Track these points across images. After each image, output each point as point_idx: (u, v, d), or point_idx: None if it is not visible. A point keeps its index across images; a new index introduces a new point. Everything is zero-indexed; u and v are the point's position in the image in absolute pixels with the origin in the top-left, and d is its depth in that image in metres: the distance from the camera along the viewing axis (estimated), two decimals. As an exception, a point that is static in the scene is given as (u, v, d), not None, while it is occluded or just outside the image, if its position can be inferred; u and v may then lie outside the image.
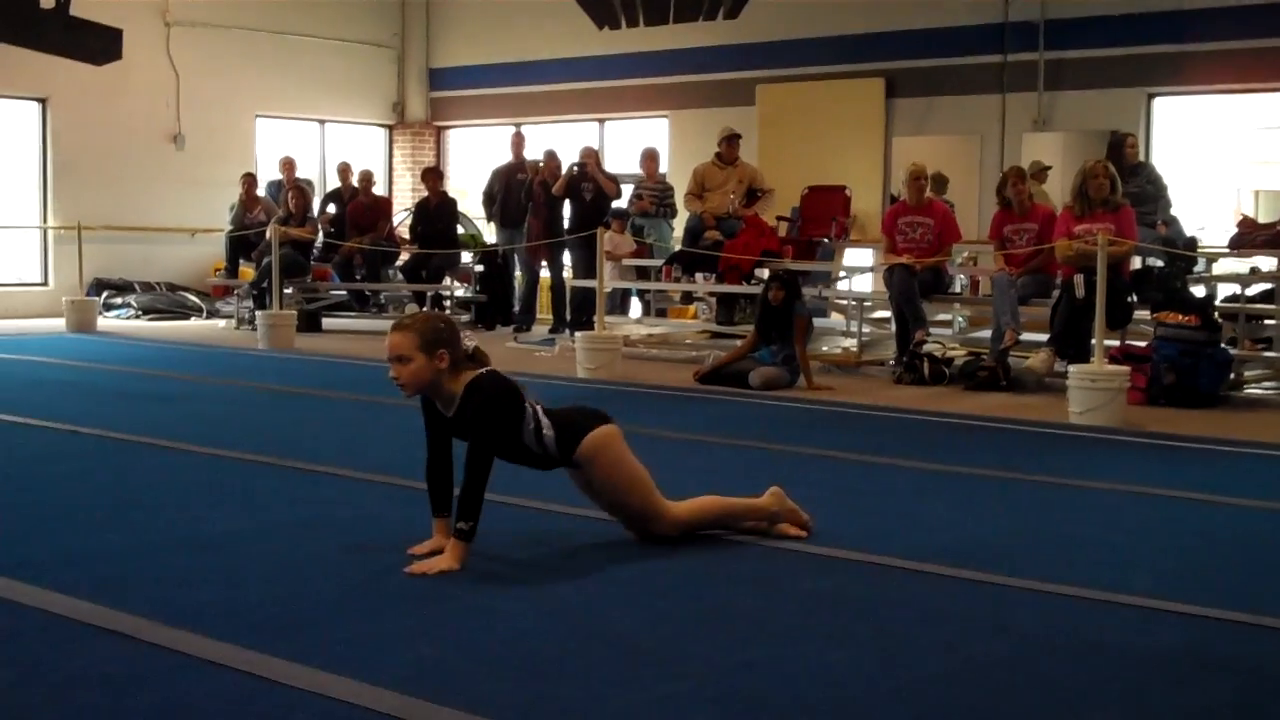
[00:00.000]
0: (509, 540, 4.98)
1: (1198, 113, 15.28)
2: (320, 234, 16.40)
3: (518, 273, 16.25)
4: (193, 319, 17.32)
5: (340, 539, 5.08)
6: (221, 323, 16.76)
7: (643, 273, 14.57)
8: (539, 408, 4.89)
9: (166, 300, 17.66)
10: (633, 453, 4.98)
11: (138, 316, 17.04)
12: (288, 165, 17.39)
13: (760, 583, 4.56)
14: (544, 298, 16.15)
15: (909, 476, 6.85)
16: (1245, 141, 14.85)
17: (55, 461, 6.86)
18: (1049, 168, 14.09)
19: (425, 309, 4.92)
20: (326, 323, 16.03)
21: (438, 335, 4.66)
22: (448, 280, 16.17)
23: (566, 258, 15.31)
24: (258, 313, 14.40)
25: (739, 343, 11.29)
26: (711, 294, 13.62)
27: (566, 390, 10.52)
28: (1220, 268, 12.29)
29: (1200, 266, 11.77)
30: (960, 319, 12.89)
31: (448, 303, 16.18)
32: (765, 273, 12.07)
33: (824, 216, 14.48)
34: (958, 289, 13.09)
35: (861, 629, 4.06)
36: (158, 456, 7.07)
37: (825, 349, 12.79)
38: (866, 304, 12.95)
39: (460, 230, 16.71)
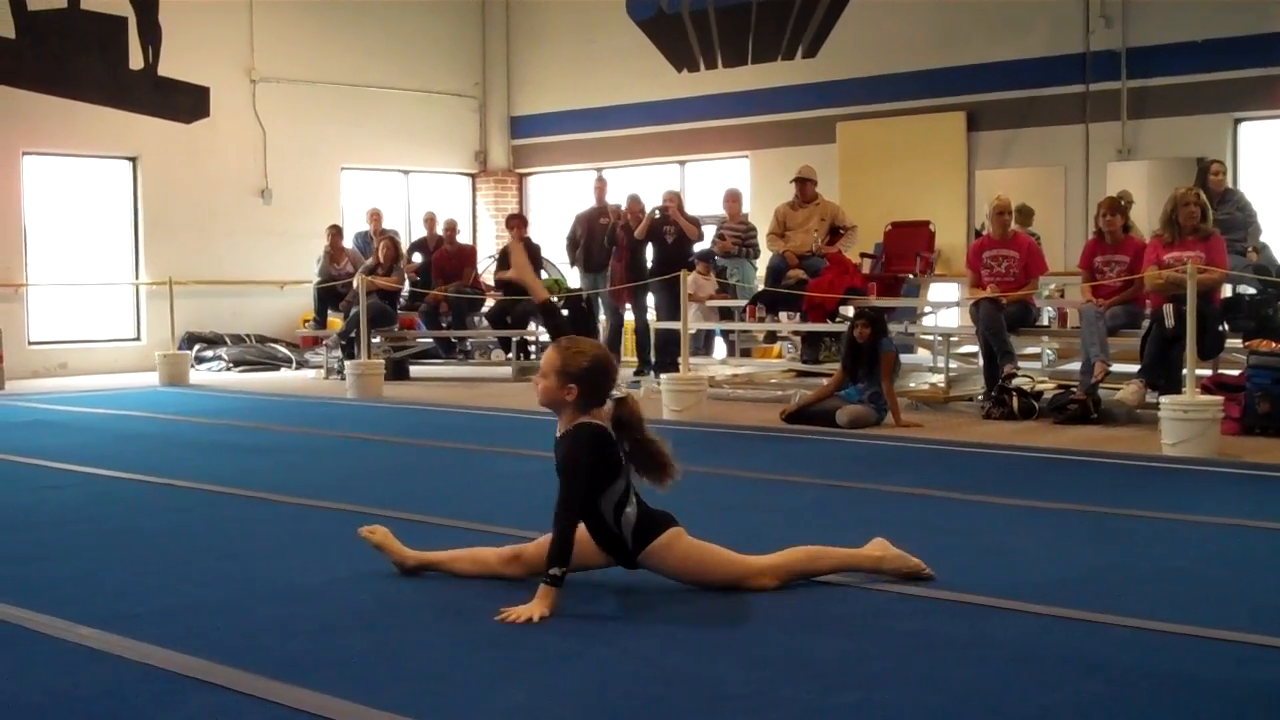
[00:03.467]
0: (594, 589, 4.98)
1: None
2: (406, 283, 16.57)
3: (602, 316, 16.30)
4: (282, 370, 17.54)
5: (432, 587, 5.11)
6: (311, 373, 16.96)
7: (726, 313, 14.57)
8: (634, 489, 4.92)
9: (256, 352, 17.89)
10: (701, 540, 4.96)
11: (229, 369, 17.28)
12: (375, 216, 17.60)
13: (852, 625, 4.53)
14: (628, 341, 16.20)
15: (1000, 513, 6.79)
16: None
17: (151, 514, 6.96)
18: (1132, 201, 13.95)
19: (592, 341, 5.04)
20: (414, 370, 16.17)
21: (576, 369, 4.85)
22: (533, 325, 16.26)
23: (650, 300, 15.34)
24: (346, 362, 14.55)
25: (825, 381, 11.25)
26: (796, 333, 13.60)
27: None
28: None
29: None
30: (1049, 352, 12.76)
31: (533, 348, 16.25)
32: (850, 310, 12.03)
33: (908, 252, 14.42)
34: (1045, 322, 12.98)
35: (956, 671, 4.01)
36: (251, 508, 7.15)
37: (912, 385, 12.70)
38: (953, 339, 12.87)
39: (544, 275, 16.80)
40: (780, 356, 14.81)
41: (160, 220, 17.99)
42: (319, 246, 17.27)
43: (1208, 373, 10.17)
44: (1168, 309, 9.93)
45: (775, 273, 13.83)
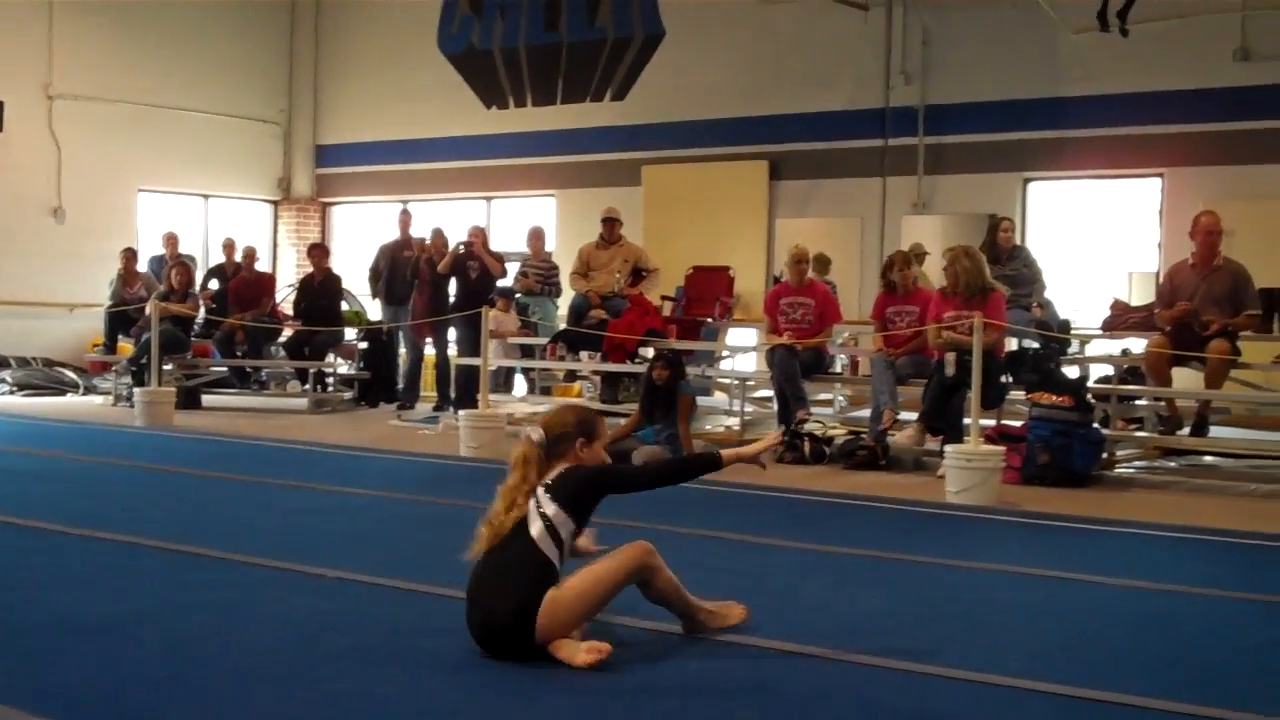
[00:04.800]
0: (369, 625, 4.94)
1: (1072, 197, 15.67)
2: (202, 310, 16.24)
3: (402, 350, 16.19)
4: (69, 395, 17.02)
5: (217, 622, 5.01)
6: (99, 399, 16.48)
7: (527, 351, 14.59)
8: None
9: (43, 376, 17.32)
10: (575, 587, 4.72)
11: (13, 392, 16.70)
12: (170, 240, 17.24)
13: (637, 665, 4.56)
14: (428, 375, 16.10)
15: (790, 556, 6.91)
16: (1118, 225, 15.24)
17: (-79, 542, 6.70)
18: (927, 253, 14.37)
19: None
20: (207, 400, 15.81)
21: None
22: (331, 357, 16.07)
23: (452, 335, 15.28)
24: (135, 389, 14.20)
25: (623, 422, 11.32)
26: (596, 372, 13.67)
27: (449, 469, 10.51)
28: (1093, 349, 12.55)
29: (1074, 348, 12.02)
30: (841, 398, 13.05)
31: (330, 380, 16.06)
32: (650, 352, 12.14)
33: (708, 296, 14.62)
34: (838, 369, 13.25)
35: (740, 713, 4.07)
36: (30, 537, 6.92)
37: (708, 428, 12.86)
38: (749, 383, 13.05)
39: (344, 307, 16.64)
40: (580, 395, 14.87)
41: (-54, 236, 17.39)
42: (112, 269, 16.83)
43: (992, 423, 10.49)
44: (949, 358, 10.25)
45: (577, 312, 13.90)
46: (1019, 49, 15.21)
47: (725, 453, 5.04)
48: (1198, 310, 10.38)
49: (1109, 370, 11.70)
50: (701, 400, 12.49)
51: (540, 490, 4.79)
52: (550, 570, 4.65)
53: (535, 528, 4.68)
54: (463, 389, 14.35)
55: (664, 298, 14.76)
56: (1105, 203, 15.49)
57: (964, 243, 11.38)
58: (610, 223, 14.19)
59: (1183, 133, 14.44)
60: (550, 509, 4.72)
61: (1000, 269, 11.42)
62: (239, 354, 16.18)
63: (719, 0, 16.62)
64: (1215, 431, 11.11)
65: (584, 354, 13.34)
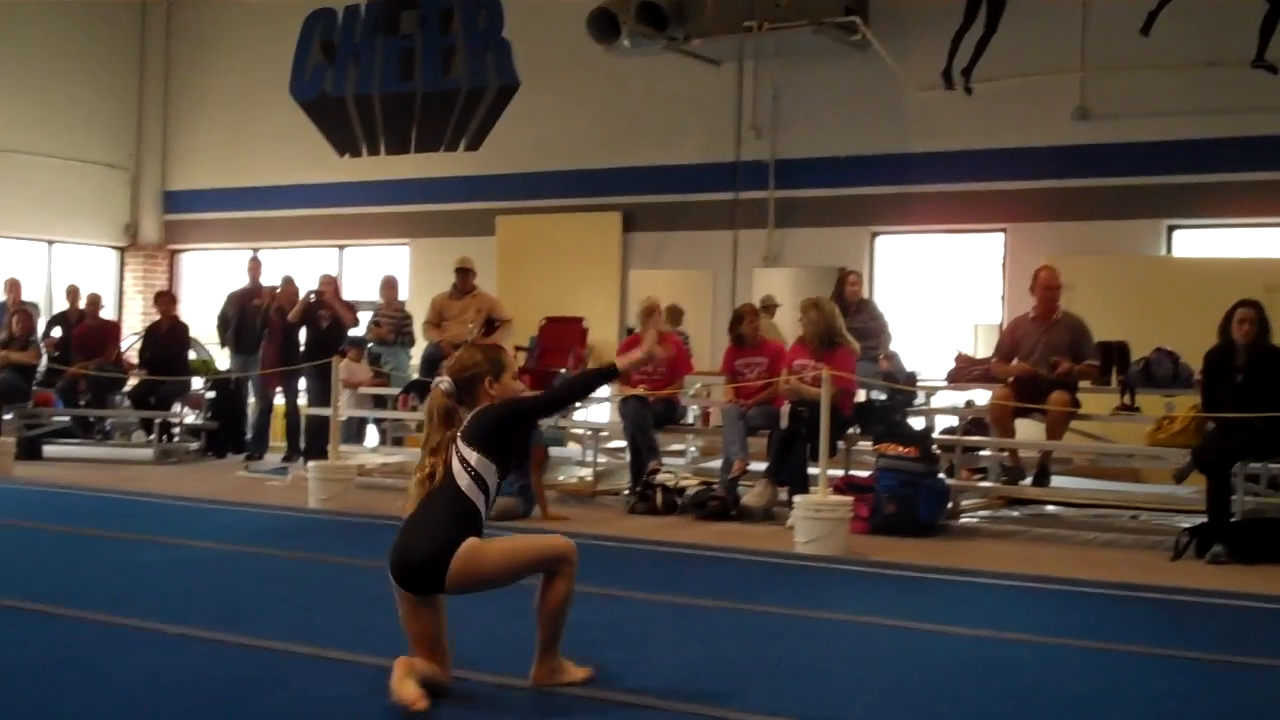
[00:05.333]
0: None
1: (918, 250, 16.00)
2: (44, 358, 15.85)
3: (252, 399, 15.96)
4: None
5: (39, 683, 4.88)
6: (-66, 449, 15.97)
7: (379, 401, 14.47)
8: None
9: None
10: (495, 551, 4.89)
11: None
12: (13, 286, 16.80)
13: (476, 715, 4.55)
14: (278, 426, 15.88)
15: (641, 608, 6.92)
16: (963, 278, 15.58)
17: None
18: (778, 305, 14.57)
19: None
20: (48, 450, 15.41)
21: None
22: (177, 406, 15.77)
23: (302, 384, 15.10)
24: (-27, 440, 13.81)
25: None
26: (448, 423, 13.57)
27: (298, 521, 10.37)
28: (939, 401, 12.78)
29: (920, 400, 12.24)
30: (693, 449, 13.12)
31: (176, 430, 15.77)
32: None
33: (562, 347, 14.61)
34: (690, 420, 13.34)
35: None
36: None
37: (561, 478, 12.86)
38: (602, 434, 13.09)
39: (192, 356, 16.36)
40: (432, 446, 14.73)
41: None
42: (-51, 316, 16.38)
43: (840, 473, 10.63)
44: (784, 409, 10.42)
45: (430, 362, 13.81)
46: (867, 105, 15.54)
47: (619, 361, 5.18)
48: (1039, 371, 10.67)
49: (954, 421, 11.94)
50: (554, 451, 12.49)
51: (459, 441, 4.90)
52: (476, 517, 4.85)
53: (463, 480, 4.85)
54: (312, 439, 14.18)
55: (517, 348, 14.70)
56: (950, 256, 15.83)
57: (815, 295, 11.58)
58: (463, 273, 14.15)
59: (1024, 189, 14.84)
60: (472, 457, 4.87)
61: (848, 321, 11.59)
62: (82, 403, 15.81)
63: (573, 53, 16.71)
64: (1057, 481, 11.39)
65: (436, 404, 13.25)
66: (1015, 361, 10.86)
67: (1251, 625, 7.05)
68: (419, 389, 13.45)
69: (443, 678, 4.79)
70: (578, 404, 5.24)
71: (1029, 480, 11.09)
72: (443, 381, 5.07)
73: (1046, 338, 10.81)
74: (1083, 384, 10.97)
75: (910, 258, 16.01)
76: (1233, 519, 9.15)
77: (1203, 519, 9.16)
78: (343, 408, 12.77)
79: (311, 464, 11.64)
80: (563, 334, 14.92)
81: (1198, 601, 7.52)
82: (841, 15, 14.90)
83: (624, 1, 15.51)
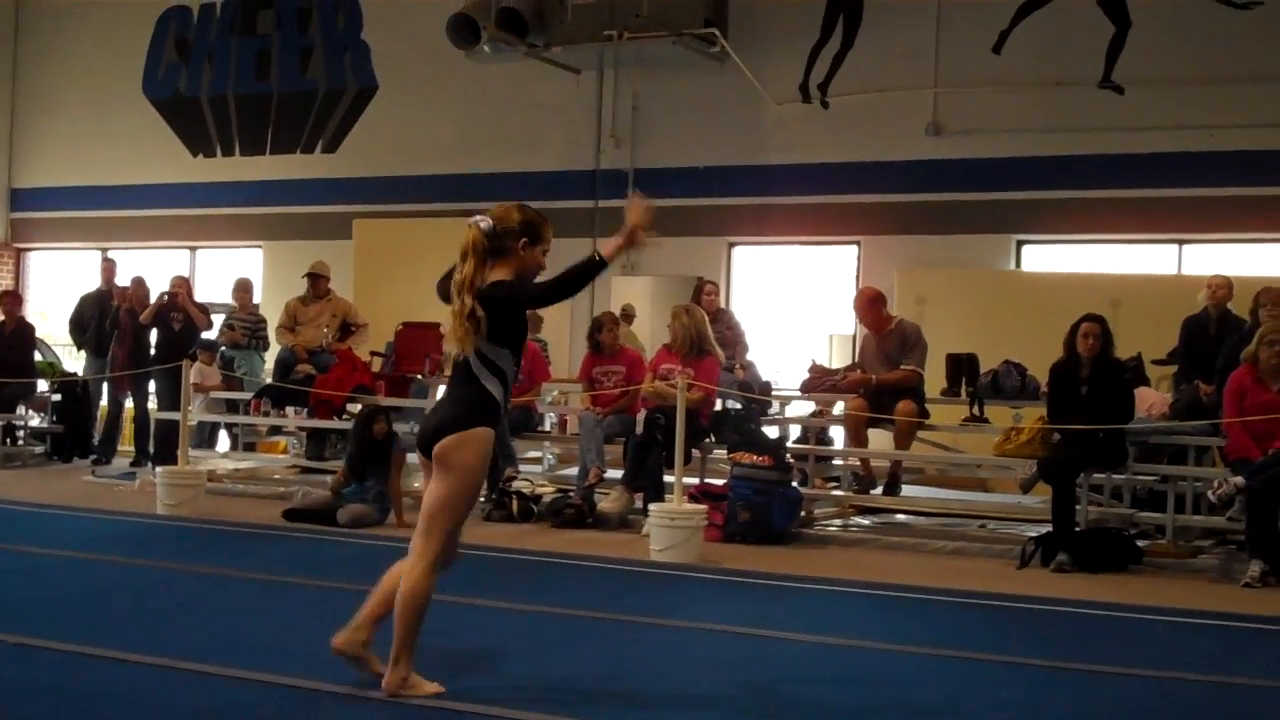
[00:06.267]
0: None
1: (775, 261, 16.17)
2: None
3: (104, 403, 15.60)
4: None
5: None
6: None
7: (231, 405, 14.23)
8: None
9: None
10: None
11: None
12: None
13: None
14: (128, 430, 15.56)
15: (493, 616, 6.90)
16: (818, 289, 15.77)
17: None
18: (635, 315, 14.63)
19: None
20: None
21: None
22: (22, 409, 15.38)
23: (152, 388, 14.82)
24: None
25: (329, 479, 11.19)
26: (301, 428, 13.43)
27: (147, 528, 10.19)
28: (794, 410, 12.91)
29: (774, 409, 12.36)
30: (549, 456, 13.11)
31: (21, 433, 15.38)
32: (357, 408, 12.01)
33: (418, 353, 14.48)
34: (547, 427, 13.33)
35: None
36: None
37: (417, 485, 12.74)
38: (459, 440, 12.97)
39: (38, 357, 15.96)
40: (285, 452, 14.58)
41: None
42: None
43: (696, 481, 10.70)
44: (640, 416, 10.50)
45: (284, 366, 13.65)
46: (725, 117, 15.67)
47: (603, 249, 5.17)
48: (871, 377, 10.92)
49: (809, 430, 12.08)
50: (411, 457, 12.38)
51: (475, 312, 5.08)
52: (488, 402, 5.08)
53: (474, 362, 5.10)
54: (161, 444, 13.93)
55: (373, 353, 14.59)
56: (806, 268, 16.03)
57: (680, 303, 11.68)
58: (316, 278, 14.01)
59: (878, 203, 15.09)
60: (484, 346, 5.10)
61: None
62: (-81, 407, 15.35)
63: (433, 57, 16.61)
64: (908, 490, 11.56)
65: (290, 410, 13.10)
66: (853, 374, 11.17)
67: (1096, 632, 7.23)
68: (272, 394, 13.28)
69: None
70: (571, 297, 5.19)
71: (880, 490, 11.26)
72: (483, 220, 5.16)
73: (883, 347, 11.07)
74: (933, 395, 11.19)
75: (767, 268, 16.18)
76: (1077, 528, 9.36)
77: (1048, 528, 9.36)
78: (193, 412, 12.56)
79: (160, 469, 11.43)
80: (420, 340, 14.78)
81: (1043, 609, 7.70)
82: (701, 27, 15.00)
83: (485, 7, 15.46)
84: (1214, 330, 10.73)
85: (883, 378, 10.88)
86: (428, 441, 5.06)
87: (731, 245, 15.96)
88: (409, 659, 4.95)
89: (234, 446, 14.35)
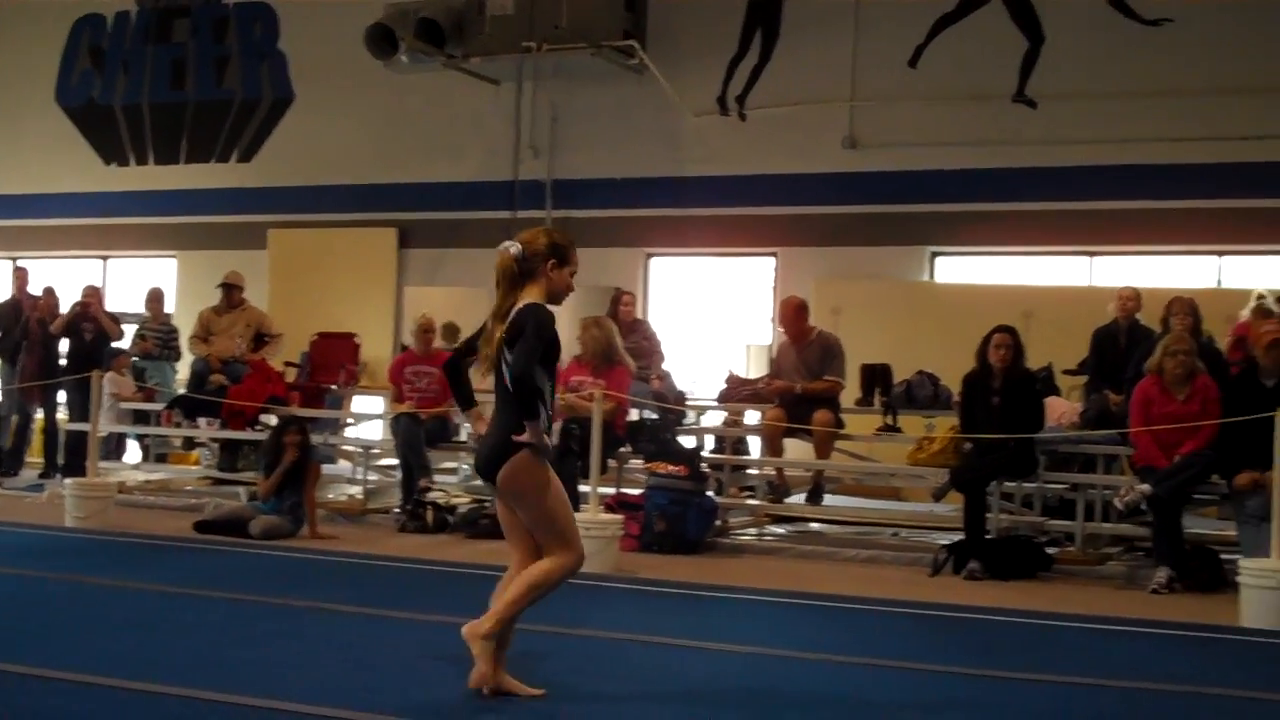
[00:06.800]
0: None
1: (692, 272, 16.22)
2: None
3: (11, 414, 15.35)
4: None
5: None
6: None
7: (143, 416, 14.07)
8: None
9: None
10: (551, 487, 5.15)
11: None
12: None
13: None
14: (37, 441, 15.33)
15: (406, 629, 6.86)
16: (735, 300, 15.84)
17: None
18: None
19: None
20: None
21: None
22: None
23: (61, 398, 14.60)
24: None
25: (241, 490, 11.09)
26: (214, 439, 13.31)
27: (55, 540, 10.04)
28: (709, 420, 12.95)
29: (690, 419, 12.39)
30: (465, 467, 13.06)
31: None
32: (272, 419, 11.92)
33: (333, 363, 14.43)
34: (463, 438, 13.27)
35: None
36: None
37: (331, 496, 12.68)
38: (373, 451, 12.95)
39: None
40: (198, 463, 14.43)
41: None
42: None
43: (611, 491, 10.70)
44: (555, 426, 10.48)
45: (197, 377, 13.52)
46: (643, 129, 15.71)
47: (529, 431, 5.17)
48: (794, 386, 10.97)
49: (724, 440, 12.12)
50: (325, 469, 12.31)
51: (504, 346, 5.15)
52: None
53: (508, 377, 5.16)
54: (70, 455, 13.75)
55: (287, 364, 14.49)
56: (723, 279, 16.09)
57: (593, 315, 11.65)
58: (229, 288, 13.90)
59: (794, 214, 15.19)
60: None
61: (622, 341, 11.67)
62: None
63: (351, 67, 16.54)
64: (825, 499, 11.63)
65: (202, 420, 12.98)
66: (776, 382, 11.18)
67: (1007, 638, 7.29)
68: (185, 405, 13.14)
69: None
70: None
71: (801, 498, 11.33)
72: (512, 246, 5.20)
73: (802, 356, 11.15)
74: (848, 404, 11.26)
75: (684, 279, 16.23)
76: (988, 536, 9.47)
77: (960, 536, 9.46)
78: (103, 422, 12.40)
79: (69, 481, 11.28)
80: (334, 350, 14.73)
81: (956, 616, 7.77)
82: (620, 39, 15.04)
83: (403, 18, 15.42)
84: (1124, 341, 10.88)
85: (808, 387, 10.94)
86: (485, 471, 5.23)
87: (649, 256, 16.01)
88: (498, 627, 5.12)
89: (145, 458, 14.19)
